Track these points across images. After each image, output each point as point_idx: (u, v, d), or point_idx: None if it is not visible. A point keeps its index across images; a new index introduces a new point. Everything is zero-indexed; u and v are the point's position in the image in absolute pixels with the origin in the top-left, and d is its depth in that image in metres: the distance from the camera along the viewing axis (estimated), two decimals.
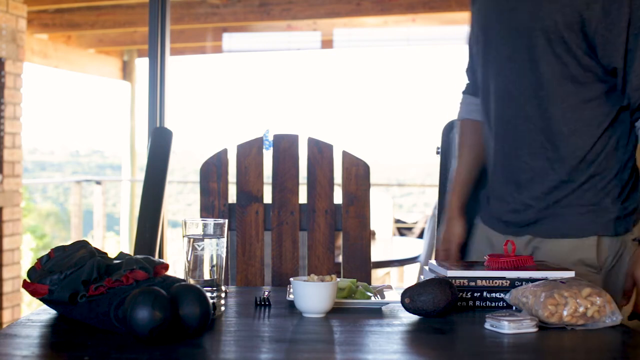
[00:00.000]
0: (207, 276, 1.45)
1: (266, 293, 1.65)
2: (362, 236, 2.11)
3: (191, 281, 1.45)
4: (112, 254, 1.52)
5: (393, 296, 1.61)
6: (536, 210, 1.86)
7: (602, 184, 1.83)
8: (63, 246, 1.49)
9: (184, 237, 1.46)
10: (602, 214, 1.82)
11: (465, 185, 2.09)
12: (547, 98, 1.84)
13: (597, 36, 1.80)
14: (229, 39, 7.08)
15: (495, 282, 1.57)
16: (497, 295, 1.56)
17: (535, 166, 1.85)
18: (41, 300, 1.45)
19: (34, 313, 1.48)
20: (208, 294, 1.38)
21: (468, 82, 2.14)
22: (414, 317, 1.48)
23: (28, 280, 1.46)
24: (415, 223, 7.06)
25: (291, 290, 1.52)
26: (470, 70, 2.11)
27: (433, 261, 1.72)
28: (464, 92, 2.16)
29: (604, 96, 1.84)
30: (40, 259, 1.47)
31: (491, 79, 1.93)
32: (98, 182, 7.99)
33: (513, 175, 1.89)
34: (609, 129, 1.84)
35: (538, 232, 1.85)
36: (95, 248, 1.50)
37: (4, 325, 5.06)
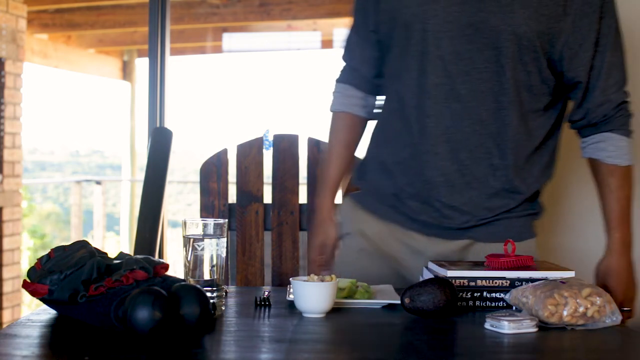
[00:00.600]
0: (207, 276, 1.45)
1: (266, 293, 1.65)
2: None
3: (191, 281, 1.45)
4: (112, 254, 1.52)
5: (393, 296, 1.61)
6: (474, 215, 1.82)
7: (537, 190, 1.89)
8: (63, 246, 1.49)
9: (184, 237, 1.46)
10: (537, 217, 1.90)
11: (337, 186, 2.00)
12: (506, 104, 1.80)
13: (565, 49, 1.81)
14: (229, 39, 7.09)
15: (495, 282, 1.57)
16: (497, 295, 1.56)
17: (475, 171, 1.80)
18: (41, 300, 1.45)
19: (34, 313, 1.48)
20: (208, 294, 1.38)
21: (348, 70, 2.01)
22: (414, 317, 1.48)
23: (28, 280, 1.46)
24: None
25: (291, 290, 1.52)
26: (359, 60, 1.97)
27: (433, 261, 1.72)
28: (340, 81, 2.02)
29: (544, 109, 1.86)
30: (40, 259, 1.47)
31: (431, 75, 1.80)
32: (98, 182, 7.99)
33: (446, 178, 1.80)
34: (546, 142, 1.88)
35: (478, 237, 1.83)
36: (95, 248, 1.50)
37: (4, 325, 5.06)
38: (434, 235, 1.83)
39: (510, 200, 1.83)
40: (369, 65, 1.96)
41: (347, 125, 2.00)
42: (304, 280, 1.49)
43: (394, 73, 1.88)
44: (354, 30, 1.97)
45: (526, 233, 1.87)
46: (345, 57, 2.02)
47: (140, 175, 7.25)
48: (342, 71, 2.03)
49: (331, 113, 2.02)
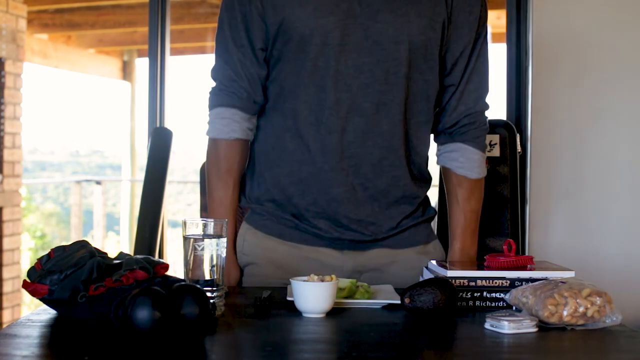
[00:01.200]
0: (207, 276, 1.45)
1: (266, 293, 1.65)
2: None
3: (191, 281, 1.45)
4: (112, 254, 1.52)
5: (393, 296, 1.61)
6: (379, 225, 1.83)
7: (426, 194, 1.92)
8: (63, 246, 1.49)
9: (184, 237, 1.46)
10: (433, 219, 1.95)
11: (235, 217, 1.88)
12: (409, 115, 1.81)
13: (449, 56, 1.85)
14: None
15: (495, 282, 1.57)
16: (497, 295, 1.56)
17: (378, 184, 1.80)
18: (41, 300, 1.45)
19: (34, 313, 1.48)
20: (208, 294, 1.38)
21: (229, 92, 1.84)
22: (414, 317, 1.48)
23: (28, 280, 1.46)
24: None
25: (291, 290, 1.52)
26: (246, 80, 1.83)
27: (433, 261, 1.72)
28: (221, 105, 1.84)
29: (432, 117, 1.88)
30: (40, 259, 1.47)
31: (331, 91, 1.76)
32: (98, 182, 7.99)
33: (351, 194, 1.78)
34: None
35: (389, 244, 1.85)
36: (95, 248, 1.50)
37: (4, 325, 5.05)
38: (347, 249, 1.83)
39: (409, 205, 1.86)
40: (257, 85, 1.84)
41: (239, 153, 1.86)
42: (304, 280, 1.49)
43: (287, 90, 1.81)
44: (234, 48, 1.83)
45: (431, 235, 1.92)
46: (221, 78, 1.86)
47: (140, 175, 7.25)
48: (218, 94, 1.86)
49: (209, 138, 1.87)
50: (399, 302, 1.51)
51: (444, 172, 1.93)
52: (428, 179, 1.92)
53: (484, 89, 1.91)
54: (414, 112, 1.83)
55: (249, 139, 1.89)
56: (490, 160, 2.35)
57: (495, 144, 2.36)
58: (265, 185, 1.87)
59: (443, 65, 1.86)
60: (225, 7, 1.86)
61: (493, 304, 1.56)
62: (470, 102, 1.88)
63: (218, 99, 1.86)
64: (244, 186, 1.92)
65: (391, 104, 1.78)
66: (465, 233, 1.89)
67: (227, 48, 1.84)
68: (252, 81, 1.84)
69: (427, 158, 1.91)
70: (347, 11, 1.75)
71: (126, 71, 8.03)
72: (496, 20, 6.25)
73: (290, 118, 1.81)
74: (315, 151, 1.79)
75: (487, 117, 1.93)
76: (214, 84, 1.88)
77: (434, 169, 2.01)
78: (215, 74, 1.87)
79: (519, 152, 2.43)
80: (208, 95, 1.89)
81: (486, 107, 1.92)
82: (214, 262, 1.45)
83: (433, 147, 1.96)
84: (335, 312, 1.50)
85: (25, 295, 5.64)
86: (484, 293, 1.57)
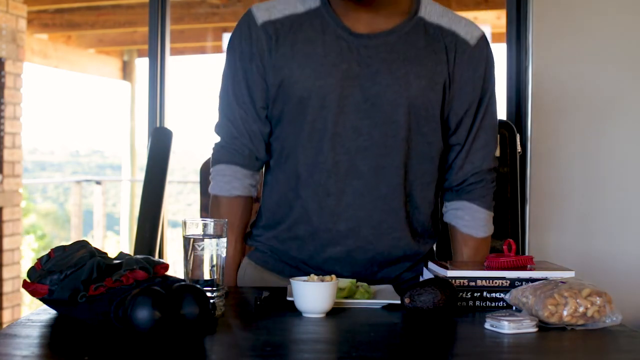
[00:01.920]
0: (207, 276, 1.45)
1: (266, 293, 1.65)
2: None
3: (191, 281, 1.45)
4: (112, 254, 1.52)
5: (393, 296, 1.61)
6: (378, 278, 1.83)
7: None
8: (63, 246, 1.49)
9: (184, 237, 1.46)
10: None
11: (237, 266, 1.89)
12: (410, 178, 1.80)
13: (452, 115, 1.82)
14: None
15: (495, 282, 1.57)
16: (497, 295, 1.56)
17: (379, 246, 1.78)
18: (41, 300, 1.45)
19: (34, 313, 1.48)
20: (208, 294, 1.38)
21: (231, 149, 1.84)
22: (414, 317, 1.48)
23: (28, 280, 1.46)
24: None
25: (291, 290, 1.52)
26: (248, 137, 1.83)
27: (432, 261, 1.72)
28: (224, 162, 1.85)
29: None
30: (40, 259, 1.47)
31: (330, 153, 1.75)
32: (98, 182, 7.98)
33: (349, 254, 1.78)
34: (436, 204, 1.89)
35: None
36: (95, 248, 1.50)
37: (4, 325, 5.05)
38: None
39: (409, 262, 1.85)
40: (259, 142, 1.84)
41: (240, 209, 1.85)
42: (304, 281, 1.49)
43: (287, 150, 1.81)
44: (236, 106, 1.83)
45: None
46: (224, 135, 1.86)
47: (140, 175, 7.25)
48: (220, 151, 1.86)
49: (211, 195, 1.88)
50: (399, 302, 1.51)
51: (450, 229, 1.91)
52: (433, 235, 1.89)
53: (491, 146, 1.87)
54: (418, 174, 1.81)
55: (251, 195, 1.88)
56: None
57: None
58: (267, 236, 1.88)
59: (447, 125, 1.83)
60: (227, 63, 1.86)
61: (493, 304, 1.56)
62: (477, 161, 1.85)
63: (220, 155, 1.86)
64: (252, 228, 1.93)
65: (390, 167, 1.76)
66: None
67: (229, 105, 1.84)
68: (255, 138, 1.84)
69: (432, 213, 1.87)
70: (345, 72, 1.74)
71: (126, 71, 8.03)
72: (496, 20, 6.25)
73: (292, 178, 1.81)
74: (312, 212, 1.78)
75: (495, 174, 1.90)
76: (218, 138, 1.89)
77: None
78: (219, 130, 1.88)
79: (519, 152, 2.43)
80: (212, 151, 1.90)
81: (494, 164, 1.89)
82: (214, 262, 1.45)
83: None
84: (335, 312, 1.50)
85: (25, 295, 5.64)
86: (484, 293, 1.57)
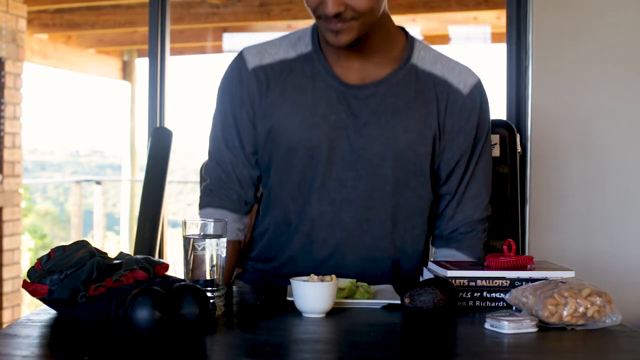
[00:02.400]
0: (207, 276, 1.45)
1: (266, 293, 1.65)
2: None
3: (191, 281, 1.45)
4: (112, 254, 1.52)
5: (393, 296, 1.61)
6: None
7: None
8: (63, 246, 1.49)
9: (184, 237, 1.46)
10: None
11: None
12: (396, 229, 1.79)
13: (443, 165, 1.80)
14: (229, 39, 7.08)
15: (495, 282, 1.57)
16: (497, 295, 1.56)
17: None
18: (41, 300, 1.45)
19: (34, 313, 1.48)
20: (208, 294, 1.38)
21: (220, 193, 1.84)
22: (414, 317, 1.48)
23: (28, 280, 1.46)
24: None
25: (291, 290, 1.52)
26: (237, 182, 1.82)
27: (432, 261, 1.72)
28: (211, 206, 1.84)
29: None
30: (40, 259, 1.47)
31: (315, 203, 1.76)
32: (98, 182, 7.98)
33: None
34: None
35: None
36: (95, 248, 1.50)
37: (4, 325, 5.05)
38: None
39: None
40: (248, 186, 1.85)
41: (230, 254, 1.83)
42: (304, 281, 1.49)
43: (274, 197, 1.82)
44: (225, 149, 1.82)
45: None
46: (213, 178, 1.85)
47: (140, 175, 7.25)
48: (209, 194, 1.86)
49: None
50: (399, 302, 1.51)
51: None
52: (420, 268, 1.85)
53: (483, 196, 1.85)
54: (408, 227, 1.80)
55: (239, 239, 1.88)
56: None
57: (495, 144, 2.36)
58: (257, 267, 1.89)
59: (437, 175, 1.82)
60: (218, 106, 1.85)
61: (493, 304, 1.56)
62: (468, 211, 1.84)
63: (209, 199, 1.86)
64: (243, 251, 1.94)
65: (374, 220, 1.75)
66: None
67: (219, 148, 1.84)
68: (244, 183, 1.84)
69: (422, 260, 1.86)
70: (335, 123, 1.73)
71: (126, 71, 8.03)
72: (496, 20, 6.26)
73: (281, 224, 1.82)
74: (297, 258, 1.80)
75: (487, 224, 1.88)
76: (206, 179, 1.88)
77: None
78: (208, 172, 1.87)
79: (519, 152, 2.43)
80: (200, 194, 1.90)
81: (486, 213, 1.87)
82: (214, 262, 1.45)
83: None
84: (335, 312, 1.50)
85: (25, 295, 5.64)
86: (484, 293, 1.57)
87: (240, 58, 1.82)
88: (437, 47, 1.84)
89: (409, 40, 1.80)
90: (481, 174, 1.84)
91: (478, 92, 1.80)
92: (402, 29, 1.82)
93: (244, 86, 1.79)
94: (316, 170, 1.74)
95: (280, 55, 1.78)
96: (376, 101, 1.73)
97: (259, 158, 1.82)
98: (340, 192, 1.75)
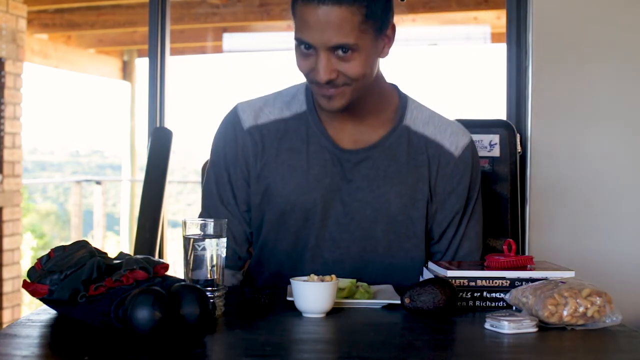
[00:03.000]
0: (207, 276, 1.44)
1: (266, 293, 1.65)
2: None
3: (191, 281, 1.45)
4: (112, 254, 1.52)
5: (393, 296, 1.61)
6: None
7: None
8: (63, 246, 1.49)
9: (184, 237, 1.46)
10: None
11: None
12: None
13: (435, 226, 1.81)
14: (229, 39, 7.08)
15: (495, 282, 1.57)
16: (497, 295, 1.56)
17: None
18: (41, 300, 1.45)
19: (34, 313, 1.48)
20: (208, 294, 1.38)
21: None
22: (414, 317, 1.48)
23: (28, 280, 1.46)
24: None
25: (291, 290, 1.52)
26: (231, 238, 1.81)
27: (432, 261, 1.72)
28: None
29: None
30: (40, 259, 1.47)
31: (308, 263, 1.77)
32: (98, 182, 7.98)
33: None
34: None
35: None
36: (95, 248, 1.50)
37: (4, 325, 5.05)
38: None
39: None
40: (243, 242, 1.86)
41: None
42: (304, 281, 1.49)
43: (268, 255, 1.83)
44: (221, 206, 1.83)
45: None
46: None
47: (140, 175, 7.25)
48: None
49: None
50: (399, 302, 1.51)
51: None
52: None
53: (475, 254, 1.86)
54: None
55: None
56: (490, 160, 2.35)
57: (495, 144, 2.36)
58: None
59: (430, 235, 1.83)
60: (212, 163, 1.85)
61: (493, 304, 1.56)
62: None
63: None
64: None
65: (367, 280, 1.73)
66: None
67: (214, 204, 1.84)
68: (239, 238, 1.84)
69: None
70: (329, 186, 1.75)
71: (126, 71, 8.03)
72: (496, 20, 6.26)
73: (276, 277, 1.82)
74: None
75: None
76: None
77: None
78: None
79: (519, 152, 2.43)
80: None
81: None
82: (214, 262, 1.45)
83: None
84: (335, 312, 1.50)
85: (25, 295, 5.64)
86: (484, 293, 1.57)
87: (235, 115, 1.83)
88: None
89: (402, 99, 1.81)
90: (473, 232, 1.86)
91: (469, 153, 1.82)
92: (395, 87, 1.83)
93: (239, 146, 1.80)
94: (310, 231, 1.76)
95: (275, 115, 1.79)
96: (369, 166, 1.75)
97: (252, 216, 1.82)
98: (334, 252, 1.77)
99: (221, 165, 1.83)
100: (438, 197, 1.78)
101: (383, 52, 1.70)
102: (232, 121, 1.83)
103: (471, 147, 1.82)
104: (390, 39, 1.70)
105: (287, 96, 1.82)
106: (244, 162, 1.80)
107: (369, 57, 1.64)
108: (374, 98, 1.76)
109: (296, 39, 1.67)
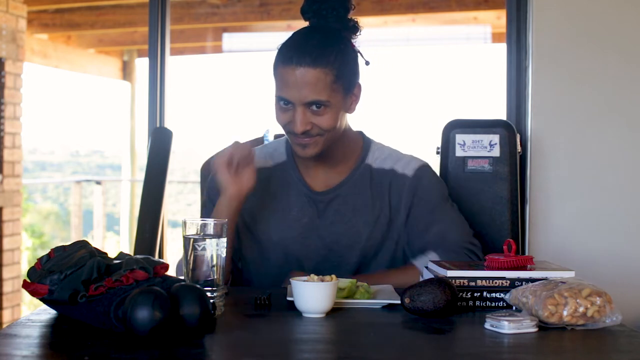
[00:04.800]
0: (207, 276, 1.44)
1: (266, 293, 1.65)
2: None
3: (191, 281, 1.45)
4: (112, 254, 1.52)
5: (393, 296, 1.61)
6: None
7: None
8: (63, 246, 1.49)
9: (184, 237, 1.46)
10: None
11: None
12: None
13: (407, 236, 1.95)
14: (229, 39, 7.08)
15: (495, 282, 1.57)
16: (497, 295, 1.56)
17: None
18: (41, 300, 1.45)
19: (34, 313, 1.48)
20: (208, 294, 1.38)
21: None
22: (414, 317, 1.48)
23: (28, 280, 1.46)
24: None
25: (291, 290, 1.52)
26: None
27: (432, 261, 1.72)
28: None
29: None
30: (40, 259, 1.47)
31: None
32: (98, 182, 7.99)
33: None
34: None
35: None
36: (95, 248, 1.50)
37: (4, 325, 5.05)
38: None
39: None
40: (229, 264, 1.97)
41: None
42: (304, 281, 1.49)
43: (255, 278, 1.99)
44: None
45: None
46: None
47: (140, 175, 7.25)
48: None
49: None
50: (399, 302, 1.51)
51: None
52: None
53: (452, 235, 1.92)
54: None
55: None
56: (490, 160, 2.35)
57: (495, 144, 2.36)
58: None
59: (409, 248, 1.96)
60: (208, 199, 1.99)
61: (493, 304, 1.56)
62: (433, 241, 1.92)
63: None
64: None
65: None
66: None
67: None
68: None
69: None
70: (306, 225, 1.94)
71: (126, 71, 8.02)
72: (496, 20, 6.26)
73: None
74: None
75: (474, 251, 1.94)
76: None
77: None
78: None
79: (519, 152, 2.43)
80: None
81: (468, 243, 1.94)
82: (214, 262, 1.45)
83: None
84: (335, 312, 1.50)
85: (25, 295, 5.64)
86: (484, 293, 1.57)
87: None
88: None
89: (365, 143, 2.02)
90: (445, 218, 1.94)
91: (423, 172, 1.98)
92: (361, 133, 2.03)
93: None
94: (291, 264, 1.94)
95: (260, 164, 1.98)
96: (339, 202, 1.96)
97: (237, 246, 1.98)
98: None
99: (210, 198, 1.98)
100: (401, 214, 1.95)
101: (351, 108, 1.93)
102: None
103: (425, 168, 1.99)
104: (357, 97, 1.93)
105: (270, 148, 2.05)
106: None
107: (338, 112, 1.87)
108: (343, 145, 1.96)
109: (277, 96, 1.87)
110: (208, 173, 2.21)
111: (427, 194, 1.96)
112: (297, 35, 1.89)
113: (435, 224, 1.94)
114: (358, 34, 1.94)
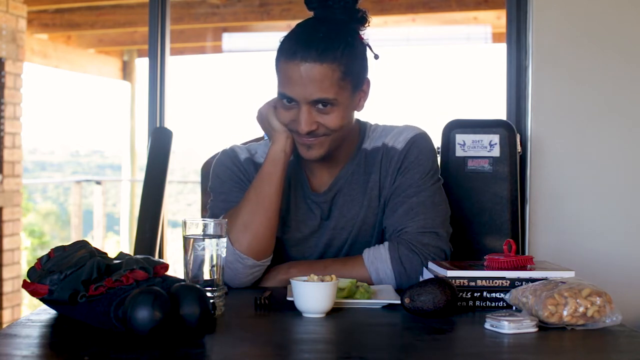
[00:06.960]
0: (207, 276, 1.45)
1: (266, 293, 1.65)
2: None
3: (191, 281, 1.45)
4: (112, 254, 1.52)
5: (393, 296, 1.61)
6: None
7: None
8: (63, 246, 1.49)
9: (184, 237, 1.46)
10: None
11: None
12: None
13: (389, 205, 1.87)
14: (229, 39, 7.08)
15: (495, 282, 1.57)
16: (497, 295, 1.56)
17: None
18: (41, 300, 1.45)
19: (34, 313, 1.48)
20: (208, 294, 1.38)
21: None
22: (414, 317, 1.48)
23: (28, 280, 1.46)
24: None
25: (291, 290, 1.52)
26: None
27: (432, 261, 1.72)
28: None
29: None
30: (40, 259, 1.47)
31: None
32: (98, 182, 7.99)
33: None
34: None
35: None
36: (95, 248, 1.50)
37: (4, 325, 5.05)
38: None
39: None
40: None
41: None
42: (304, 281, 1.49)
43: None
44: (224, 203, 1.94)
45: None
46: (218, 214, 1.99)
47: (140, 175, 7.25)
48: None
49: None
50: (399, 302, 1.51)
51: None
52: None
53: (419, 218, 1.81)
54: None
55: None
56: (490, 160, 2.35)
57: (495, 144, 2.36)
58: None
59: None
60: (216, 187, 1.93)
61: (493, 304, 1.56)
62: (396, 222, 1.84)
63: None
64: None
65: None
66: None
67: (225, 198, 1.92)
68: None
69: None
70: (311, 227, 1.89)
71: (126, 71, 8.03)
72: (496, 20, 6.26)
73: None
74: None
75: (437, 245, 1.81)
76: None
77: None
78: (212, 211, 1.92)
79: (519, 152, 2.43)
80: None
81: (426, 237, 1.80)
82: (214, 262, 1.45)
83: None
84: (335, 312, 1.50)
85: (25, 295, 5.64)
86: (484, 293, 1.57)
87: (231, 150, 1.95)
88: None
89: (361, 130, 1.92)
90: (417, 200, 1.83)
91: (414, 143, 1.86)
92: (357, 120, 1.92)
93: (242, 172, 1.91)
94: (298, 258, 1.90)
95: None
96: (339, 197, 1.89)
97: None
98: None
99: (225, 190, 1.90)
100: (388, 189, 1.86)
101: (359, 106, 1.83)
102: (229, 155, 1.94)
103: (418, 137, 1.87)
104: (366, 94, 1.83)
105: None
106: (244, 184, 1.89)
107: (346, 110, 1.77)
108: (348, 145, 1.88)
109: (279, 93, 1.78)
110: (208, 173, 2.21)
111: (411, 167, 1.84)
112: (301, 28, 1.78)
113: (403, 205, 1.82)
114: (367, 25, 1.82)
